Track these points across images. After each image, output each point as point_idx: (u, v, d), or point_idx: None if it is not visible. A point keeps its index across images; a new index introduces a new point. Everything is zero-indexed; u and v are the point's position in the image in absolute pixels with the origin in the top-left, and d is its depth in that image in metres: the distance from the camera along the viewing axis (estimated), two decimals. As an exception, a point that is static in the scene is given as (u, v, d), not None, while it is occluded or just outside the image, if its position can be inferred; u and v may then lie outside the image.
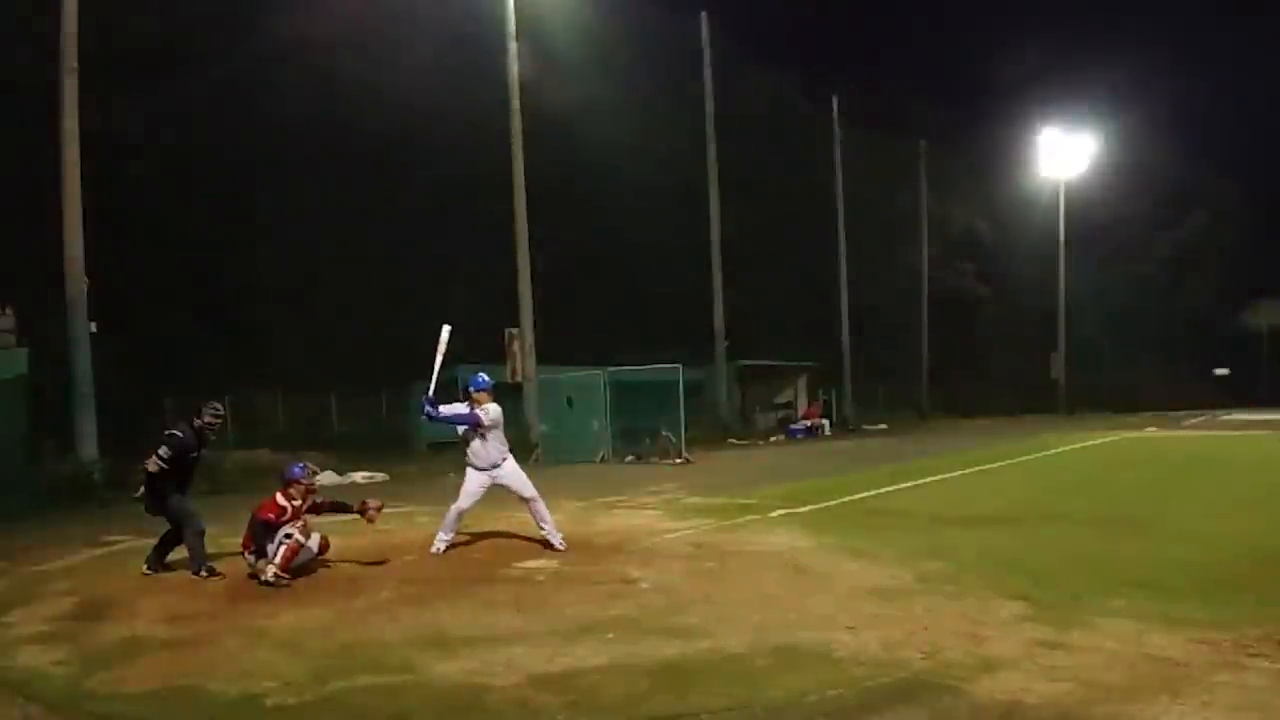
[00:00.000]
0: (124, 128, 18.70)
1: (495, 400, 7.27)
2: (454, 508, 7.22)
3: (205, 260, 21.87)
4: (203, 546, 6.61)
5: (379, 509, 6.85)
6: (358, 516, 6.77)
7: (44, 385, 13.79)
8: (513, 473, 7.28)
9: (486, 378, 7.30)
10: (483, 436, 7.13)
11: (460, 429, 7.19)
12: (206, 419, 6.74)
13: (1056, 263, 38.71)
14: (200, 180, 21.76)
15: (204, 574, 6.44)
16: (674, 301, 28.43)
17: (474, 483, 7.21)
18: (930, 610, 4.97)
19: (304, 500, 6.57)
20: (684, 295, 27.96)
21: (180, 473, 6.68)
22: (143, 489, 6.63)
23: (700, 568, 6.42)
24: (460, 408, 7.18)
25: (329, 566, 6.64)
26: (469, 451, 7.22)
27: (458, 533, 7.38)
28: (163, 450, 6.48)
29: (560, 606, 5.33)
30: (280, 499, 6.44)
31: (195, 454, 6.76)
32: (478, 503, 7.32)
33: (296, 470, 6.62)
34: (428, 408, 6.98)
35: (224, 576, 6.45)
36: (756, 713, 3.56)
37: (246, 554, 6.38)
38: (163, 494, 6.61)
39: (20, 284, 14.12)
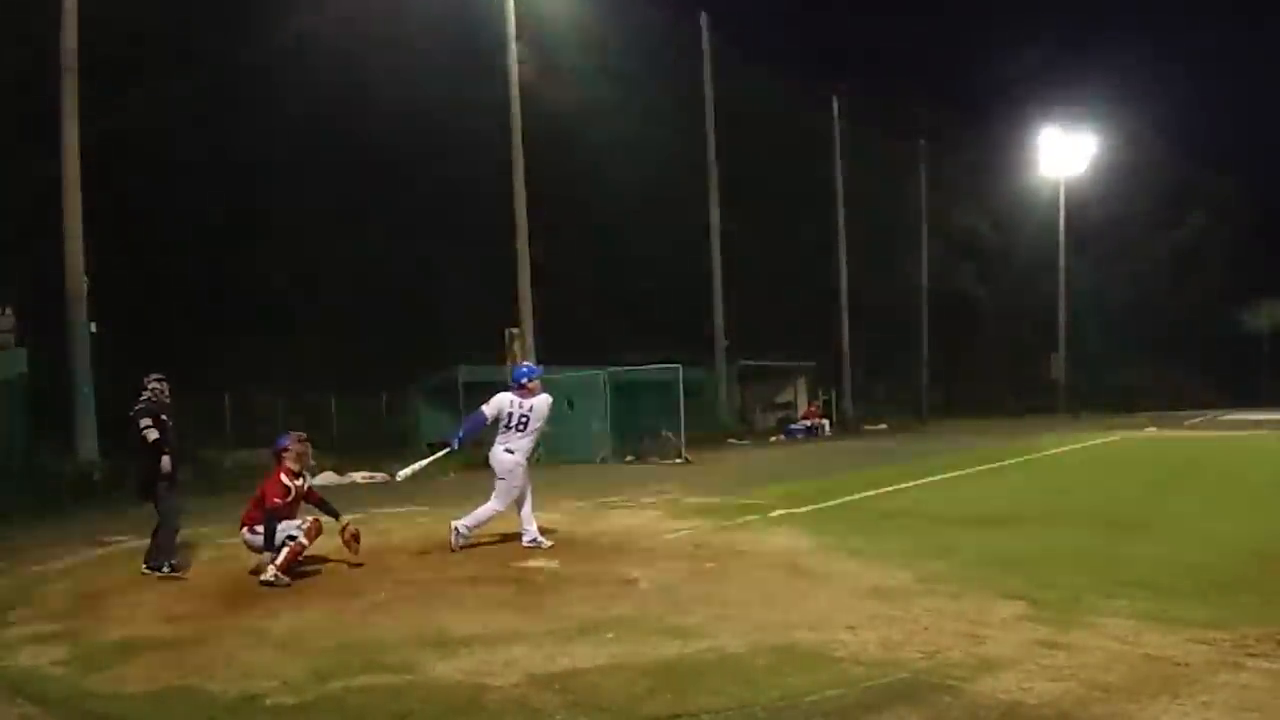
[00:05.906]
0: (124, 127, 18.67)
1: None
2: (491, 507, 7.26)
3: (205, 260, 21.85)
4: (172, 545, 6.62)
5: (357, 540, 6.76)
6: (336, 525, 6.70)
7: (44, 385, 13.78)
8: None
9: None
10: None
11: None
12: (151, 386, 6.78)
13: (1056, 263, 38.70)
14: (200, 180, 21.73)
15: (166, 570, 6.45)
16: (674, 301, 28.41)
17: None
18: (930, 610, 4.97)
19: (303, 467, 6.58)
20: (684, 295, 27.94)
21: (171, 444, 6.68)
22: (169, 464, 6.60)
23: (700, 568, 6.41)
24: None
25: (329, 564, 6.64)
26: (528, 448, 7.41)
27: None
28: (144, 421, 6.54)
29: (560, 606, 5.33)
30: (284, 479, 6.41)
31: (165, 417, 6.74)
32: None
33: (284, 440, 6.60)
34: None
35: (185, 578, 6.41)
36: (756, 713, 3.55)
37: (245, 531, 6.36)
38: (155, 480, 6.60)
39: (20, 284, 14.10)
